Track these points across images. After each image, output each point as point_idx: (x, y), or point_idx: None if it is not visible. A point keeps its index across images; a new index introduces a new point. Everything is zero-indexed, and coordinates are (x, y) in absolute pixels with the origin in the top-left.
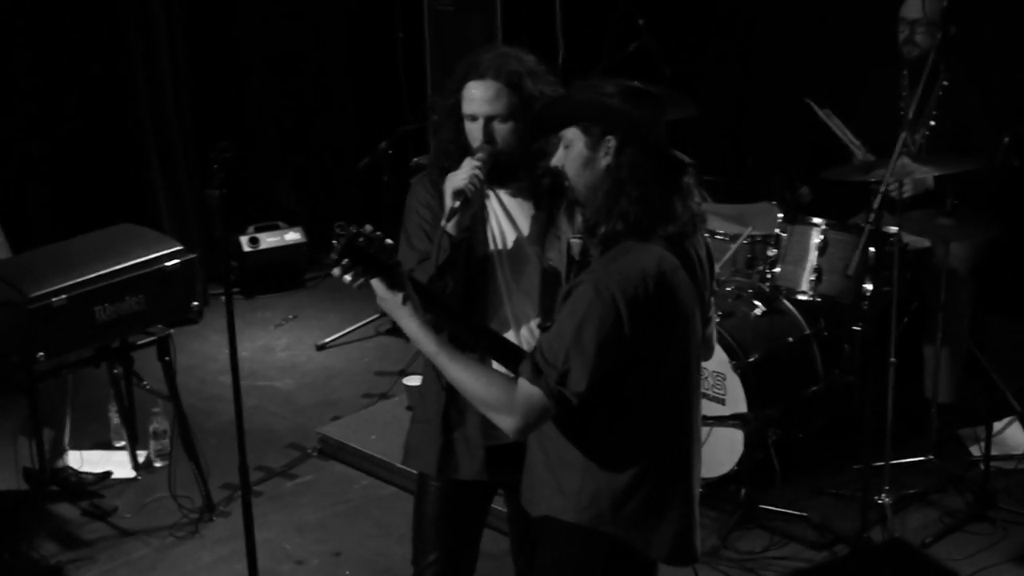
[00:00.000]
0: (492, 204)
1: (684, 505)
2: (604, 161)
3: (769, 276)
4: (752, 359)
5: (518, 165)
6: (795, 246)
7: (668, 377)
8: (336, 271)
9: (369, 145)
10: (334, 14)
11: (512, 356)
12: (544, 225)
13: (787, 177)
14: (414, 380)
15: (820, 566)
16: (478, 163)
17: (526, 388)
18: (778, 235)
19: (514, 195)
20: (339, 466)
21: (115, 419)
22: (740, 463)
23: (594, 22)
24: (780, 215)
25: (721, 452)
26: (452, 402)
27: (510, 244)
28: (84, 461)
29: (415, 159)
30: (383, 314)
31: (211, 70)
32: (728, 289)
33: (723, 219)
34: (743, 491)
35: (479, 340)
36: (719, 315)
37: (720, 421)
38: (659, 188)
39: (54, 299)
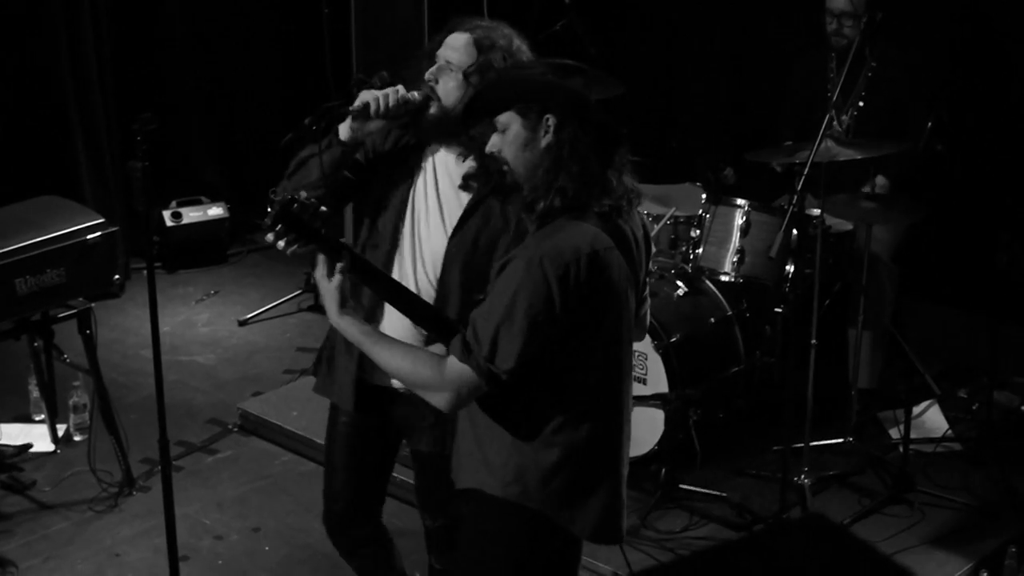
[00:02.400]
0: (430, 163)
1: (612, 485)
2: (545, 140)
3: (692, 257)
4: (674, 339)
5: (457, 128)
6: (718, 227)
7: (599, 356)
8: (269, 237)
9: (293, 121)
10: None
11: (445, 328)
12: (473, 208)
13: (711, 158)
14: None
15: (739, 541)
16: (406, 94)
17: (456, 365)
18: (701, 216)
19: (454, 163)
20: (259, 442)
21: (35, 392)
22: (661, 443)
23: (521, 1)
24: (704, 196)
25: (642, 432)
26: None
27: (429, 206)
28: (3, 434)
29: None
30: (305, 290)
31: (134, 42)
32: (651, 269)
33: (647, 199)
34: (663, 471)
35: (411, 312)
36: None
37: (641, 401)
38: (597, 161)
39: None
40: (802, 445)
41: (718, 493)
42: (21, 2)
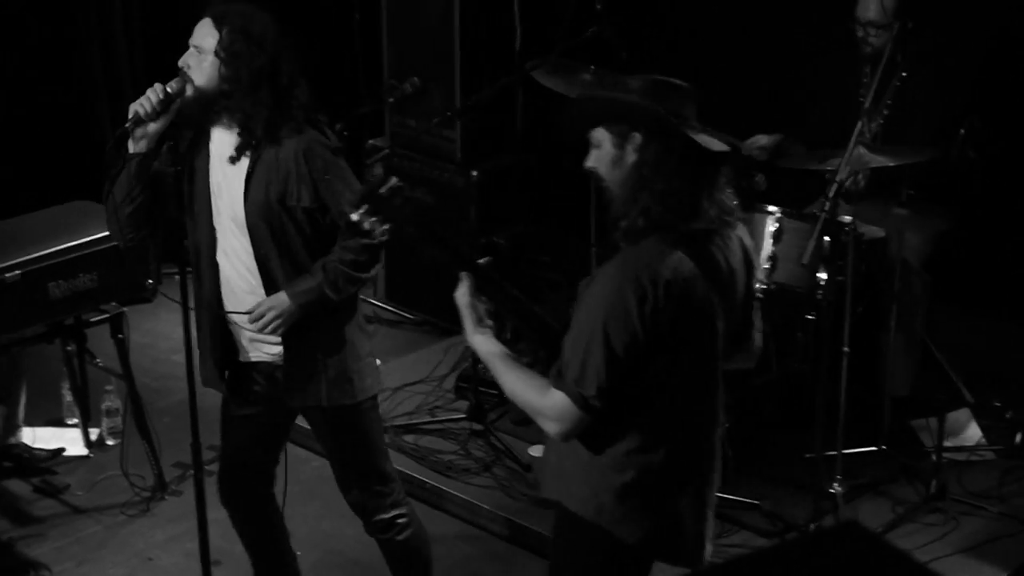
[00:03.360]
0: (214, 146)
1: (693, 508)
2: (631, 158)
3: None
4: None
5: (220, 106)
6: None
7: (678, 382)
8: (355, 216)
9: (328, 125)
10: None
11: (554, 345)
12: (252, 171)
13: (742, 164)
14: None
15: (771, 549)
16: (163, 88)
17: (555, 393)
18: None
19: (227, 138)
20: (290, 446)
21: (68, 396)
22: None
23: (553, 5)
24: (735, 203)
25: None
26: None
27: (221, 184)
28: (36, 438)
29: (370, 141)
30: None
31: (167, 47)
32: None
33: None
34: None
35: (531, 330)
36: None
37: None
38: (685, 182)
39: (8, 275)
40: (834, 453)
41: (750, 501)
42: (54, 6)
